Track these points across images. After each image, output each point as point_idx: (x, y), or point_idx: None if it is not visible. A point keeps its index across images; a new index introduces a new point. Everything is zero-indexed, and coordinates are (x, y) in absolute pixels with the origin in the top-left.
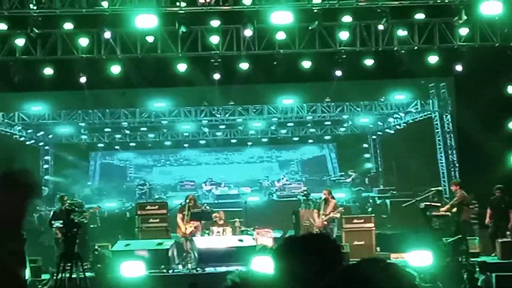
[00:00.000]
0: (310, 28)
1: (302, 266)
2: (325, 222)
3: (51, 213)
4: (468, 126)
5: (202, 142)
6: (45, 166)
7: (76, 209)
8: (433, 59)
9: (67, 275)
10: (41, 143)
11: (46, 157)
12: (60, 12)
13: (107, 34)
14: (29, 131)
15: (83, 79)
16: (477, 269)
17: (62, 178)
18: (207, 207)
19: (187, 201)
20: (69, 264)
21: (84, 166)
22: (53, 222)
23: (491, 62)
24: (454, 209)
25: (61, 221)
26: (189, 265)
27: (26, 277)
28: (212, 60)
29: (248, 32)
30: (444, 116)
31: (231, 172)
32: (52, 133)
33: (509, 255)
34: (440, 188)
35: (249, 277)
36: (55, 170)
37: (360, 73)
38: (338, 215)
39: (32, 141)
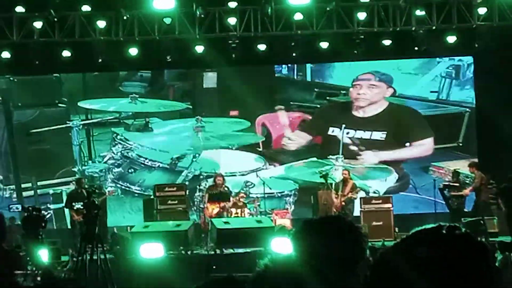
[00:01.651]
0: (327, 8)
1: (322, 248)
2: (343, 203)
3: (67, 194)
4: (486, 106)
5: None
6: None
7: (97, 191)
8: (451, 38)
9: (88, 256)
10: None
11: None
12: None
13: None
14: None
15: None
16: (496, 249)
17: None
18: (226, 188)
19: (217, 181)
20: (89, 246)
21: None
22: (73, 203)
23: (510, 41)
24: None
25: (82, 203)
26: (208, 246)
27: (45, 259)
28: (230, 42)
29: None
30: None
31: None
32: None
33: None
34: (458, 168)
35: (281, 262)
36: None
37: (378, 54)
38: (356, 196)
39: None
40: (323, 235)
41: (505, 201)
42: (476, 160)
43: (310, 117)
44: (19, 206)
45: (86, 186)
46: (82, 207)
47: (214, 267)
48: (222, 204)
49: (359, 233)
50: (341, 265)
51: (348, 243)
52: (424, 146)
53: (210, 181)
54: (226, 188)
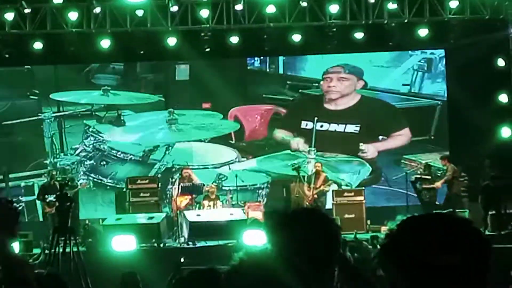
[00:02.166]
0: (300, 1)
1: (296, 240)
2: (315, 196)
3: (40, 187)
4: (458, 99)
5: None
6: None
7: (69, 183)
8: (423, 32)
9: (60, 249)
10: None
11: None
12: None
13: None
14: None
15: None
16: None
17: None
18: (198, 181)
19: (184, 174)
20: (62, 238)
21: None
22: (46, 196)
23: (481, 34)
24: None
25: (54, 195)
26: (180, 239)
27: (17, 251)
28: (202, 34)
29: (239, 7)
30: None
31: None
32: None
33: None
34: (430, 160)
35: (256, 255)
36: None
37: (351, 47)
38: (328, 189)
39: None
40: (298, 228)
41: (484, 198)
42: (447, 153)
43: (283, 110)
44: None
45: (58, 179)
46: (54, 200)
47: (182, 260)
48: (192, 196)
49: (334, 225)
50: (316, 258)
51: (323, 235)
52: (403, 136)
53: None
54: (193, 181)
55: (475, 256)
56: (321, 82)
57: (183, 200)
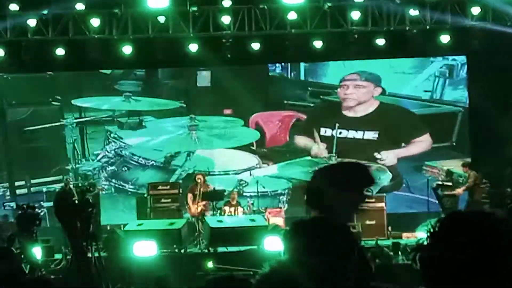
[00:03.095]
0: (321, 7)
1: (311, 249)
2: None
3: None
4: (479, 106)
5: None
6: None
7: (91, 188)
8: (445, 38)
9: None
10: None
11: None
12: None
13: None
14: None
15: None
16: None
17: None
18: (220, 187)
19: (197, 180)
20: (84, 244)
21: None
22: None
23: (504, 41)
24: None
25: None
26: (201, 245)
27: (38, 257)
28: (224, 40)
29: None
30: None
31: None
32: None
33: None
34: (451, 167)
35: (286, 264)
36: None
37: (372, 53)
38: None
39: None
40: (312, 236)
41: None
42: (469, 159)
43: (304, 116)
44: (13, 204)
45: (79, 185)
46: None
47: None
48: (204, 203)
49: (349, 234)
50: (331, 266)
51: (337, 244)
52: (424, 143)
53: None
54: (208, 187)
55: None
56: (338, 90)
57: (198, 207)
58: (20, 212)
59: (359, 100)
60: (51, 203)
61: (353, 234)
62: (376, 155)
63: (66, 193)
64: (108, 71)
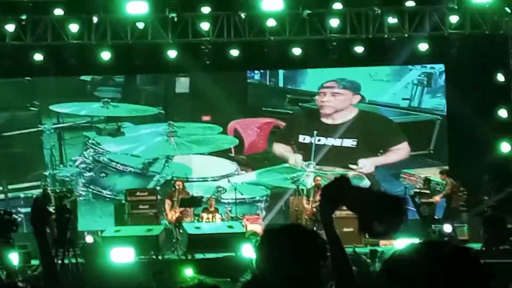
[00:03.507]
0: (300, 15)
1: (277, 258)
2: (314, 209)
3: (33, 199)
4: (457, 114)
5: None
6: None
7: (68, 195)
8: (423, 46)
9: (59, 261)
10: None
11: None
12: None
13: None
14: None
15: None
16: None
17: None
18: (198, 193)
19: (176, 186)
20: (61, 250)
21: None
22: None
23: (481, 50)
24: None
25: (54, 207)
26: (179, 251)
27: (15, 263)
28: (203, 47)
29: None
30: None
31: None
32: None
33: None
34: (429, 175)
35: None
36: None
37: (351, 61)
38: None
39: None
40: (280, 243)
41: (488, 230)
42: (446, 167)
43: (282, 123)
44: None
45: (57, 190)
46: (53, 211)
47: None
48: (181, 209)
49: (319, 240)
50: (292, 275)
51: (307, 250)
52: (402, 151)
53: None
54: (187, 194)
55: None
56: (316, 97)
57: (174, 214)
58: None
59: (336, 107)
60: (28, 209)
61: (324, 240)
62: (353, 166)
63: (45, 198)
64: (87, 77)
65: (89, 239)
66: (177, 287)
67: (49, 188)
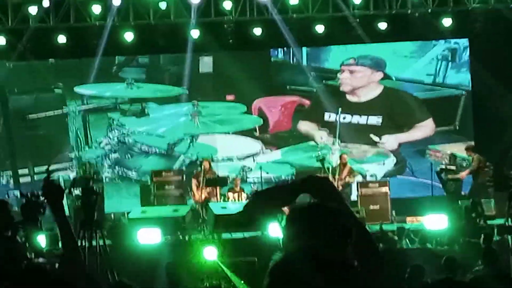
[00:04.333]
0: None
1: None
2: (340, 187)
3: (72, 180)
4: (482, 89)
5: None
6: None
7: (95, 176)
8: (447, 21)
9: (87, 243)
10: None
11: None
12: None
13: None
14: None
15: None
16: (495, 231)
17: None
18: (223, 173)
19: (202, 166)
20: (88, 232)
21: None
22: (72, 189)
23: (506, 24)
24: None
25: (80, 189)
26: (205, 232)
27: (43, 245)
28: (225, 26)
29: None
30: None
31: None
32: None
33: None
34: (455, 151)
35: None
36: None
37: (374, 37)
38: (353, 180)
39: None
40: (306, 222)
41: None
42: (472, 143)
43: (307, 101)
44: (17, 192)
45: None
46: (80, 193)
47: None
48: (209, 189)
49: (344, 218)
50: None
51: (332, 229)
52: (426, 127)
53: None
54: (214, 173)
55: None
56: (338, 74)
57: (201, 194)
58: (24, 200)
59: (354, 85)
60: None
61: (351, 216)
62: (376, 138)
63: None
64: (110, 58)
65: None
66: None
67: (75, 170)
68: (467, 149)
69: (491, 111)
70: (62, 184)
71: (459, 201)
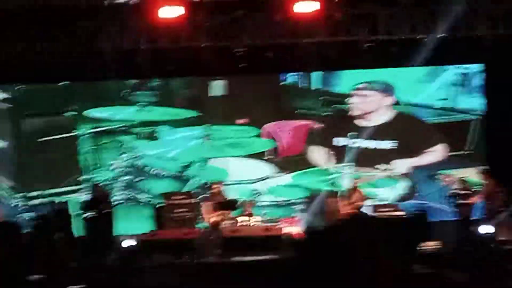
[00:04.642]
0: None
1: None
2: (351, 211)
3: (83, 202)
4: (496, 113)
5: None
6: None
7: (106, 198)
8: (459, 46)
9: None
10: None
11: None
12: None
13: None
14: None
15: None
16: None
17: None
18: (234, 196)
19: (212, 189)
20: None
21: None
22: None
23: None
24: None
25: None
26: (215, 255)
27: None
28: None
29: None
30: None
31: None
32: None
33: None
34: (466, 175)
35: None
36: None
37: (385, 61)
38: (363, 204)
39: None
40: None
41: None
42: (485, 167)
43: (317, 125)
44: (28, 215)
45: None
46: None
47: None
48: (220, 213)
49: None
50: None
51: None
52: (436, 153)
53: (210, 190)
54: (223, 197)
55: None
56: (348, 99)
57: (214, 217)
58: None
59: (364, 109)
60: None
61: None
62: (383, 166)
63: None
64: (122, 81)
65: (127, 242)
66: None
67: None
68: (479, 173)
69: (505, 136)
70: (70, 207)
71: (470, 226)
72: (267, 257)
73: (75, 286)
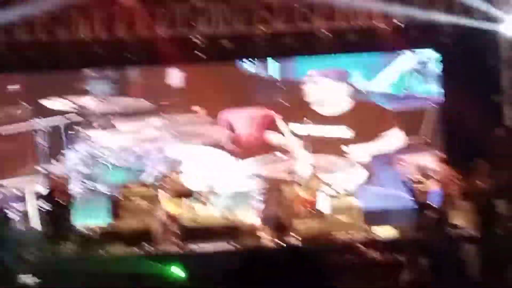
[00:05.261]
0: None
1: None
2: (309, 198)
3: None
4: (452, 99)
5: None
6: None
7: (62, 189)
8: (414, 32)
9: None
10: None
11: None
12: None
13: None
14: None
15: None
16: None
17: None
18: (191, 185)
19: (171, 178)
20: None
21: None
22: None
23: (475, 34)
24: None
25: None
26: (174, 244)
27: None
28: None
29: None
30: None
31: None
32: None
33: None
34: (424, 162)
35: None
36: None
37: (342, 48)
38: (321, 190)
39: None
40: None
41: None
42: (441, 154)
43: (275, 113)
44: None
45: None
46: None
47: None
48: (178, 201)
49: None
50: None
51: None
52: (394, 138)
53: (167, 179)
54: (181, 186)
55: None
56: (303, 85)
57: (173, 205)
58: None
59: (318, 96)
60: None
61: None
62: (344, 148)
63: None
64: (78, 71)
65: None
66: None
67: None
68: (435, 160)
69: (461, 123)
70: (27, 196)
71: (426, 212)
72: (225, 246)
73: (28, 277)
